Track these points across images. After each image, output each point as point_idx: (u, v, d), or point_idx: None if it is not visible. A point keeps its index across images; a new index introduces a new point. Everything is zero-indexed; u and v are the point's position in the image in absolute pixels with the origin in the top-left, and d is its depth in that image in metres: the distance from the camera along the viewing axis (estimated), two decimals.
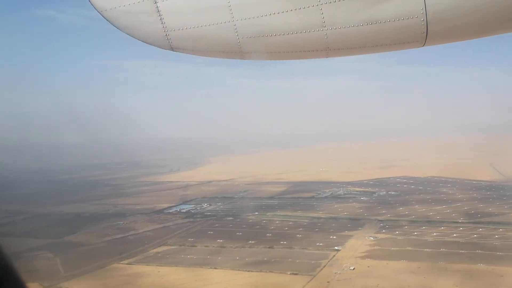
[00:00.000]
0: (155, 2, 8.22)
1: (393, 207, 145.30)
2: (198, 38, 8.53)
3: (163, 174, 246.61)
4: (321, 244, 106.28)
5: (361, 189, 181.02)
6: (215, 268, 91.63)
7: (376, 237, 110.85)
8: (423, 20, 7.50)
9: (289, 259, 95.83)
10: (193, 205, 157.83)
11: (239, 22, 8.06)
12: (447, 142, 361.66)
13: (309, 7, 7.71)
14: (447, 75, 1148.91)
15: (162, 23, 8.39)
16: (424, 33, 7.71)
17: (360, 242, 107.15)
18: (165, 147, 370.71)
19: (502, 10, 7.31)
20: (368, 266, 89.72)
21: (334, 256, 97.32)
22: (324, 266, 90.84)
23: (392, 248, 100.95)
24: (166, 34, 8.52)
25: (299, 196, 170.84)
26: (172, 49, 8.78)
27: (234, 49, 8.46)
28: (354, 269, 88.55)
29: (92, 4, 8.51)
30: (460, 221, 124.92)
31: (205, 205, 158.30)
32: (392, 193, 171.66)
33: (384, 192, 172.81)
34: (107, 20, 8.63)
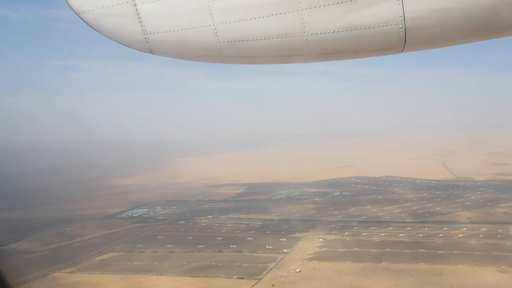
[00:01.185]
0: (135, 5, 8.13)
1: (345, 208, 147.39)
2: (177, 42, 8.42)
3: (120, 177, 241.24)
4: (270, 247, 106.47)
5: (317, 190, 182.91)
6: (160, 275, 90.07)
7: (325, 239, 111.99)
8: (402, 27, 7.67)
9: (237, 263, 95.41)
10: (146, 209, 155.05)
11: (220, 26, 8.04)
12: (404, 142, 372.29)
13: (289, 12, 7.78)
14: (406, 76, 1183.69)
15: (141, 25, 8.28)
16: (403, 40, 7.87)
17: (309, 244, 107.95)
18: (123, 149, 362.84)
19: (478, 19, 7.55)
20: (314, 268, 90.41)
21: (282, 259, 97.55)
22: (271, 269, 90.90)
23: (340, 249, 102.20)
24: (145, 37, 8.39)
25: (254, 198, 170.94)
26: (151, 52, 8.63)
27: (214, 53, 8.43)
28: (300, 271, 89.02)
29: (69, 6, 8.32)
30: (408, 221, 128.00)
31: (158, 209, 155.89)
32: (346, 193, 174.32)
33: (338, 193, 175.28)
34: (85, 22, 8.41)
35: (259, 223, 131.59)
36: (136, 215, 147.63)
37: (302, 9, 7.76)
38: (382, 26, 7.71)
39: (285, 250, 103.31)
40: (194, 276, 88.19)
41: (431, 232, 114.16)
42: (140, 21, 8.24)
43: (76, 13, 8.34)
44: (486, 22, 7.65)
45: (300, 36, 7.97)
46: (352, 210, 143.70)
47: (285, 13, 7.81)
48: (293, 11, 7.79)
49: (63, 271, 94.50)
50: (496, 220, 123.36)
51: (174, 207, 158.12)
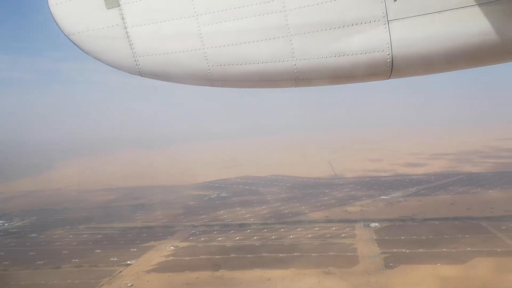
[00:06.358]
0: (125, 28, 8.21)
1: (215, 211, 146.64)
2: (167, 65, 8.45)
3: None
4: (115, 259, 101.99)
5: (196, 192, 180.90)
6: None
7: (177, 247, 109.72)
8: (389, 54, 7.84)
9: (69, 280, 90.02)
10: (1, 222, 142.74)
11: (210, 50, 8.14)
12: (295, 139, 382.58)
13: (279, 38, 7.96)
14: None
15: (131, 48, 8.35)
16: (390, 67, 8.01)
17: (158, 253, 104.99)
18: (5, 151, 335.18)
19: (465, 47, 7.69)
20: (148, 281, 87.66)
21: (120, 272, 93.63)
22: (102, 285, 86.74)
23: (185, 258, 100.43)
24: (135, 60, 8.44)
25: (127, 204, 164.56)
26: (141, 74, 8.64)
27: (203, 77, 8.45)
28: (131, 286, 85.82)
29: (59, 27, 8.36)
30: (269, 222, 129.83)
31: (16, 220, 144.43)
32: (223, 195, 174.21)
33: (216, 195, 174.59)
34: (74, 44, 8.43)
35: (119, 232, 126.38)
36: None
37: (292, 35, 7.92)
38: (369, 52, 7.87)
39: (128, 262, 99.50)
40: None
41: (284, 234, 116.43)
42: (130, 44, 8.30)
43: (65, 35, 8.36)
44: (473, 50, 7.79)
45: (289, 62, 8.10)
46: (221, 213, 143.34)
47: (274, 38, 7.96)
48: (283, 36, 7.94)
49: None
50: (350, 218, 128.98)
51: (34, 217, 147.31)
